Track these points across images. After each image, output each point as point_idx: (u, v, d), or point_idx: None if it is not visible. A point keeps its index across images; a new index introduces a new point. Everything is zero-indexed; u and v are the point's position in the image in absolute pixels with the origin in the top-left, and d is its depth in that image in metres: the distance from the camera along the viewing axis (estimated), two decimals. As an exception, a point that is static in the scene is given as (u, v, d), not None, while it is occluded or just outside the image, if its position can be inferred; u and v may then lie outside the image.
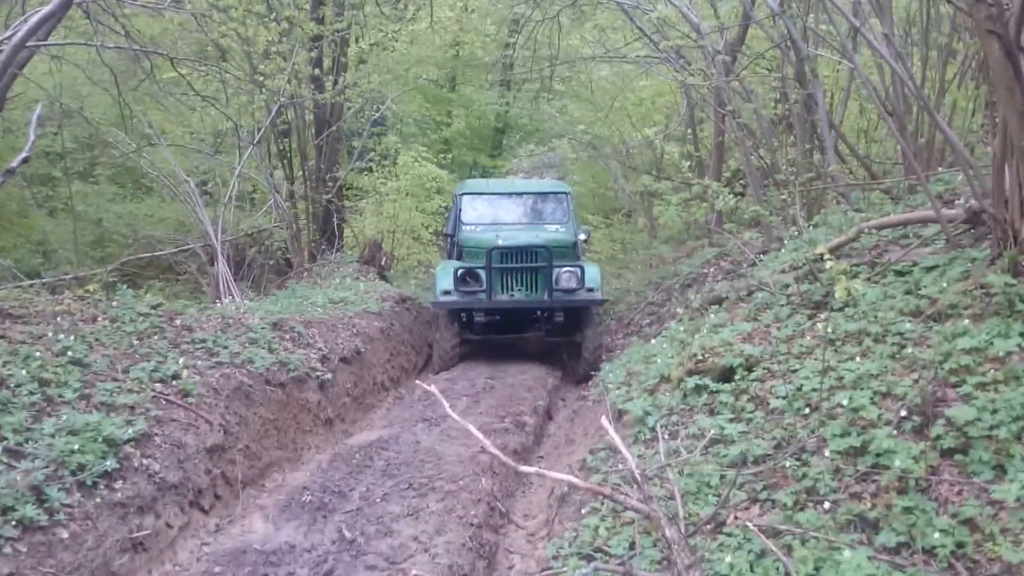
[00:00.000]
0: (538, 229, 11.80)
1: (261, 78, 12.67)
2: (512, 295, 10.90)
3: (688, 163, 15.98)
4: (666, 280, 12.88)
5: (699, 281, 11.55)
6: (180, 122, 17.83)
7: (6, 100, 10.69)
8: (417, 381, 4.80)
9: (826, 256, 5.06)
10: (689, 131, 15.79)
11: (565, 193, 12.65)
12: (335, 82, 14.12)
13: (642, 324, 12.32)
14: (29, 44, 8.10)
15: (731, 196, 8.52)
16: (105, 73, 11.93)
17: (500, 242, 10.82)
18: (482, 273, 10.83)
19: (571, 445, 7.41)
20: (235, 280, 13.19)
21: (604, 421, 4.24)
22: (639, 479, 3.92)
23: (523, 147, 22.10)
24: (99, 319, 7.36)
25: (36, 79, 14.57)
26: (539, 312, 11.19)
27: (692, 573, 3.69)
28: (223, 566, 4.92)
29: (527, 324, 11.64)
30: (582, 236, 11.92)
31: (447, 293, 10.82)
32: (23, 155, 6.88)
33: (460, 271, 10.88)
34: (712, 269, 11.52)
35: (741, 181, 13.37)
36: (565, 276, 10.90)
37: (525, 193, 12.71)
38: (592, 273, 11.19)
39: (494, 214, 12.30)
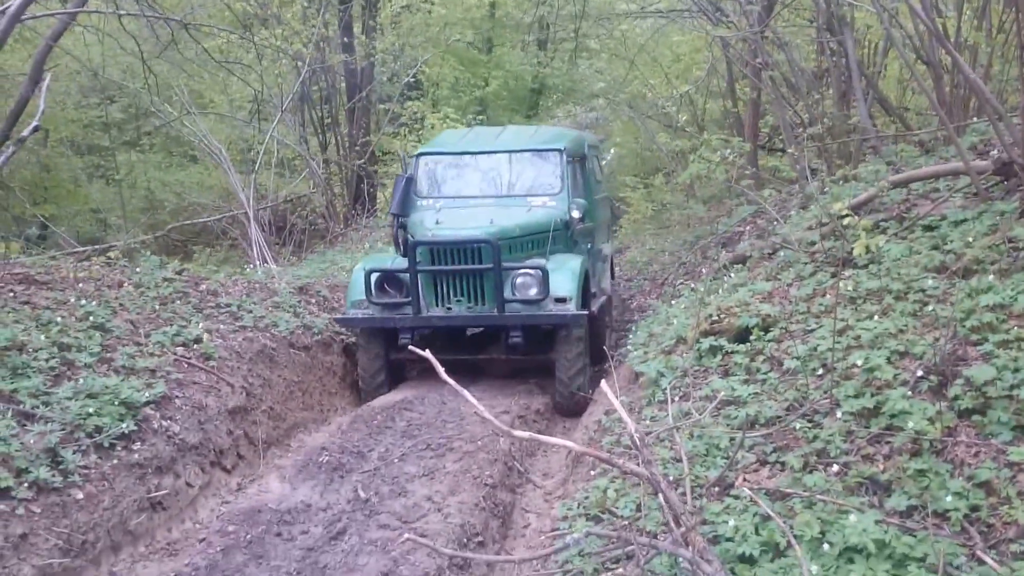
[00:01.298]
0: (515, 206, 8.46)
1: (288, 44, 12.56)
2: (448, 309, 7.68)
3: (727, 120, 15.66)
4: (701, 239, 12.61)
5: (734, 240, 11.30)
6: (221, 90, 17.88)
7: (44, 70, 10.74)
8: (411, 347, 4.68)
9: (844, 212, 4.85)
10: (727, 87, 15.41)
11: (557, 151, 8.82)
12: (366, 46, 13.97)
13: (676, 284, 12.07)
14: (42, 14, 8.09)
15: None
16: (131, 42, 11.91)
17: (430, 234, 7.64)
18: (407, 278, 7.67)
19: (594, 405, 7.30)
20: (277, 246, 13.25)
21: (604, 385, 4.12)
22: (638, 443, 3.80)
23: (561, 108, 21.83)
24: (124, 284, 7.40)
25: (78, 51, 14.68)
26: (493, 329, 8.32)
27: (692, 536, 3.58)
28: (237, 525, 4.92)
29: (479, 342, 9.03)
30: (575, 212, 8.36)
31: (358, 305, 7.83)
32: (34, 124, 6.89)
33: (376, 276, 7.73)
34: (748, 228, 11.26)
35: (780, 137, 13.02)
36: (521, 281, 7.59)
37: (499, 152, 8.99)
38: (564, 277, 7.69)
39: (459, 184, 8.93)
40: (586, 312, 7.72)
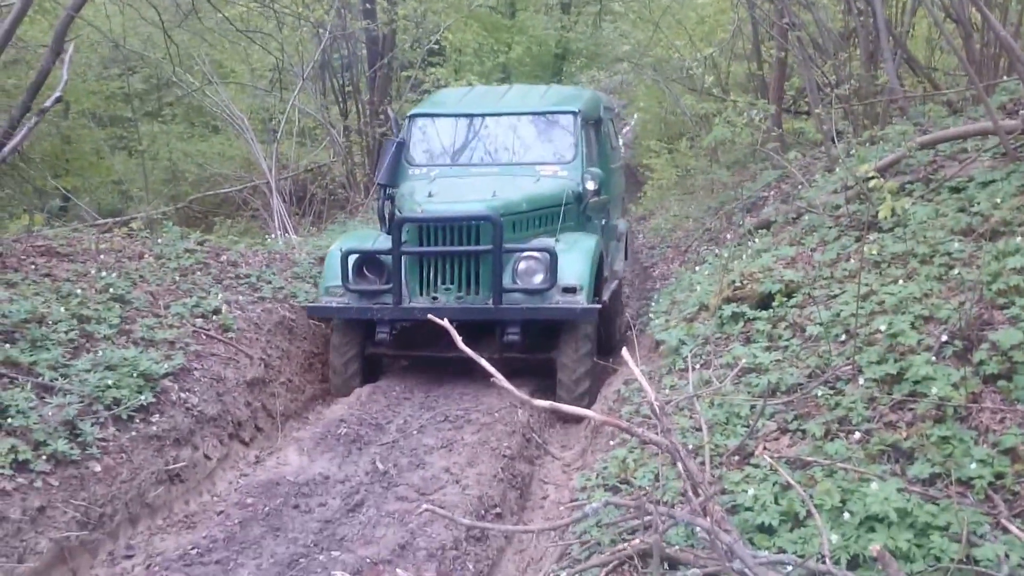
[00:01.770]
0: (521, 175, 7.40)
1: (309, 11, 12.48)
2: (434, 298, 6.64)
3: (751, 83, 15.43)
4: (726, 205, 12.46)
5: (759, 205, 11.16)
6: (242, 59, 17.84)
7: (65, 41, 10.74)
8: (430, 316, 4.56)
9: (870, 174, 4.74)
10: (752, 49, 15.17)
11: (571, 113, 7.80)
12: (388, 12, 13.86)
13: (700, 250, 11.96)
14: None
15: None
16: (152, 12, 11.89)
17: (420, 209, 6.64)
18: (389, 261, 6.70)
19: (614, 375, 7.25)
20: (297, 216, 13.27)
21: (625, 353, 4.07)
22: (657, 411, 3.76)
23: (585, 73, 21.58)
24: (145, 256, 7.43)
25: (100, 22, 14.68)
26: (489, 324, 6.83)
27: (710, 506, 3.54)
28: (255, 497, 4.93)
29: (471, 337, 7.18)
30: (590, 184, 7.28)
31: (333, 292, 6.86)
32: (56, 95, 6.89)
33: (355, 258, 6.75)
34: (773, 192, 11.12)
35: (806, 99, 12.81)
36: (524, 266, 6.57)
37: (504, 115, 7.95)
38: (575, 261, 6.63)
39: (458, 150, 7.89)
40: (598, 306, 6.64)
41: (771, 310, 5.35)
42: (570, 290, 6.51)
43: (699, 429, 4.40)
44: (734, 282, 5.66)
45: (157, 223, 10.14)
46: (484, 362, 3.84)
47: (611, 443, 4.99)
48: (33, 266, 6.56)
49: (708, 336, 5.48)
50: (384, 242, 6.83)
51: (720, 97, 9.68)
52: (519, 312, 6.46)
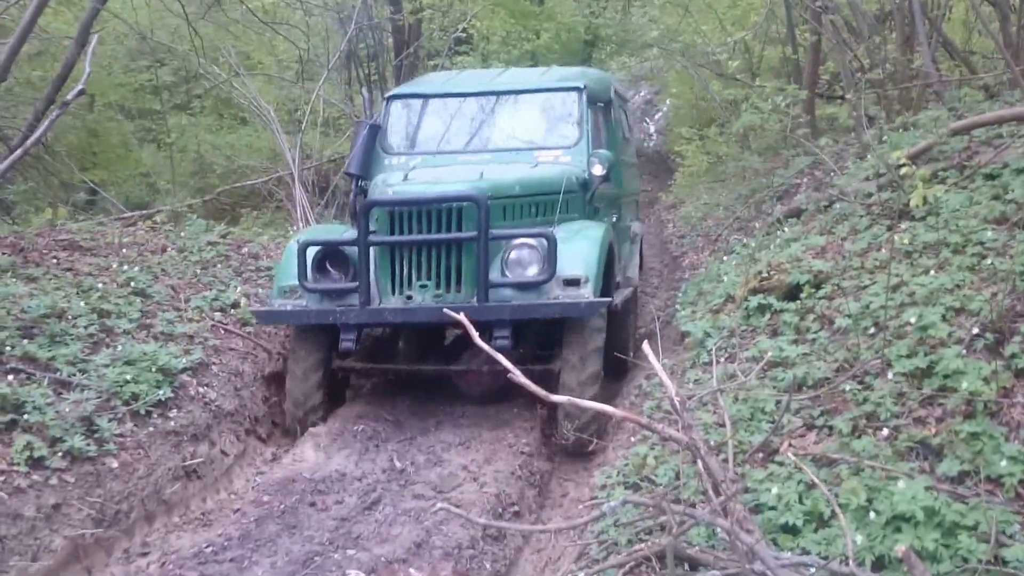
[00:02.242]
0: (516, 161, 6.48)
1: (335, 2, 12.47)
2: (409, 298, 5.58)
3: (786, 68, 15.21)
4: (757, 193, 12.29)
5: (791, 193, 11.01)
6: (268, 51, 17.90)
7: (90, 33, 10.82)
8: (446, 309, 4.36)
9: (902, 161, 4.62)
10: (786, 32, 14.96)
11: (575, 89, 6.78)
12: (414, 1, 13.83)
13: (729, 239, 11.81)
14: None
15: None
16: (178, 4, 11.96)
17: (391, 191, 5.70)
18: (355, 255, 5.61)
19: (635, 369, 7.17)
20: (320, 207, 13.28)
21: (646, 346, 4.00)
22: (677, 407, 3.69)
23: (615, 59, 21.44)
24: (168, 249, 7.46)
25: (127, 14, 14.78)
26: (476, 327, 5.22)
27: (731, 505, 3.46)
28: (271, 495, 4.92)
29: (454, 346, 6.82)
30: (597, 168, 6.27)
31: (288, 293, 5.82)
32: (79, 87, 6.92)
33: (315, 252, 5.73)
34: (806, 179, 10.96)
35: (840, 84, 12.60)
36: (516, 255, 5.57)
37: (497, 93, 6.90)
38: (578, 249, 5.66)
39: (443, 136, 6.84)
40: (608, 299, 5.63)
41: (799, 302, 5.25)
42: (573, 282, 5.46)
43: (723, 425, 4.32)
44: (761, 273, 5.56)
45: (182, 216, 10.18)
46: (503, 359, 3.73)
47: (632, 439, 4.92)
48: (55, 260, 6.61)
49: (734, 328, 5.39)
50: (353, 234, 5.73)
51: (746, 83, 9.49)
52: (508, 310, 5.38)
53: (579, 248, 5.66)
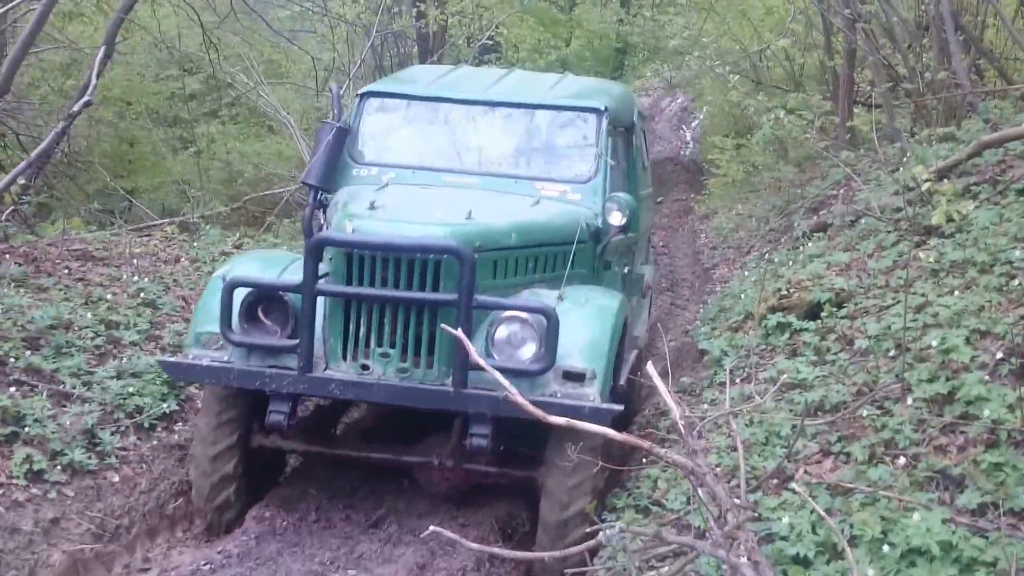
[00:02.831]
0: (515, 193, 5.27)
1: (353, 9, 12.52)
2: (364, 367, 4.36)
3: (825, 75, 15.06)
4: (791, 204, 12.15)
5: (826, 205, 10.86)
6: (295, 60, 18.04)
7: (115, 44, 10.95)
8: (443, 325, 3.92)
9: (925, 176, 4.52)
10: (824, 40, 14.81)
11: (595, 111, 5.55)
12: (439, 6, 13.87)
13: (763, 252, 11.67)
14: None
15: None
16: (203, 14, 12.10)
17: (350, 227, 4.40)
18: (297, 302, 4.39)
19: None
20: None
21: (649, 367, 3.92)
22: (683, 430, 3.60)
23: (648, 66, 21.37)
24: (181, 260, 7.49)
25: (154, 24, 14.98)
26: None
27: (739, 534, 3.38)
28: (273, 511, 4.88)
29: (415, 429, 4.99)
30: (615, 216, 5.10)
31: (208, 342, 4.55)
32: (85, 99, 6.98)
33: (245, 295, 4.43)
34: (842, 191, 10.81)
35: (877, 93, 12.42)
36: (505, 333, 4.37)
37: (498, 105, 5.68)
38: (586, 332, 4.44)
39: (426, 148, 5.62)
40: (619, 408, 4.25)
41: (819, 321, 5.15)
42: (576, 377, 4.26)
43: (736, 449, 4.23)
44: (780, 290, 5.46)
45: (195, 226, 10.23)
46: (499, 376, 3.50)
47: (644, 460, 4.84)
48: (67, 270, 6.65)
49: (751, 347, 5.30)
50: (297, 270, 4.40)
51: (778, 91, 9.32)
52: (492, 403, 4.12)
53: (587, 329, 4.41)
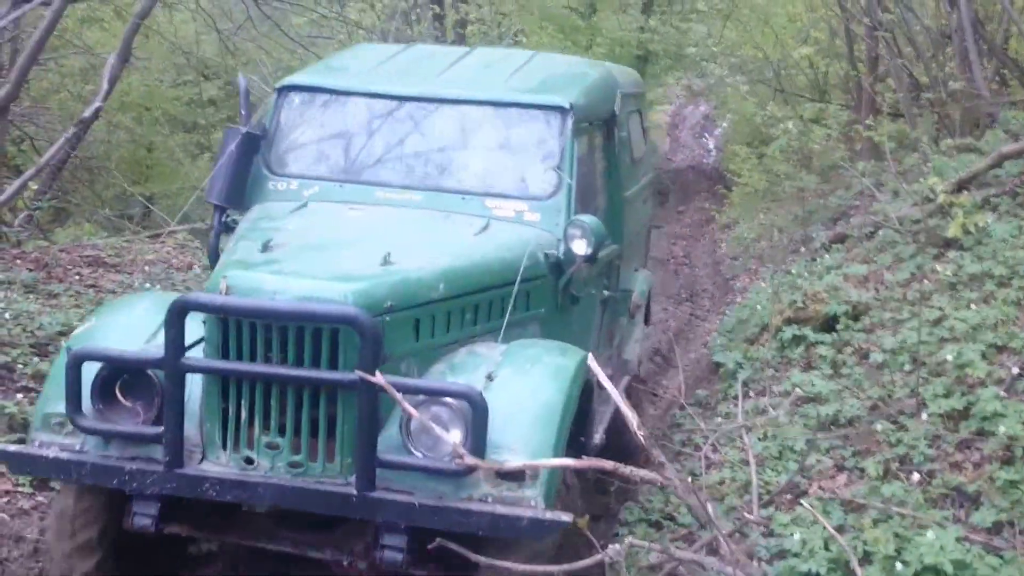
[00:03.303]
0: (459, 212, 4.29)
1: (378, 21, 12.62)
2: (248, 460, 3.32)
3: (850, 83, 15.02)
4: (813, 215, 12.11)
5: (849, 216, 10.83)
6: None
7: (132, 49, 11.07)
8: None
9: (941, 188, 4.51)
10: (847, 49, 14.79)
11: (558, 109, 4.49)
12: (457, 19, 13.95)
13: (782, 262, 11.63)
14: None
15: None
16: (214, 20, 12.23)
17: (222, 285, 3.34)
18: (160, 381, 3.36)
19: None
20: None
21: (592, 362, 3.46)
22: (643, 441, 3.38)
23: (671, 74, 21.32)
24: (194, 266, 7.55)
25: (170, 30, 15.14)
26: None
27: (729, 549, 3.36)
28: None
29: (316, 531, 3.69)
30: (578, 244, 4.02)
31: (57, 426, 3.48)
32: (96, 105, 7.04)
33: (100, 369, 3.39)
34: (864, 201, 10.78)
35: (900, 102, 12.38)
36: (419, 423, 3.22)
37: (444, 103, 4.62)
38: (527, 410, 3.40)
39: (359, 155, 4.66)
40: (566, 519, 3.20)
41: (835, 333, 5.14)
42: (513, 478, 3.29)
43: (748, 463, 4.22)
44: (796, 302, 5.45)
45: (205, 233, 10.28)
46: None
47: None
48: (78, 276, 6.71)
49: (767, 360, 5.29)
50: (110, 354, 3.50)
51: (797, 97, 9.27)
52: (405, 512, 3.28)
53: (530, 408, 3.41)
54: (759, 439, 4.44)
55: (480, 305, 3.88)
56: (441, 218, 4.23)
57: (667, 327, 9.66)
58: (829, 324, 5.26)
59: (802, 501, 3.75)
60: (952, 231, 4.26)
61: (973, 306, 4.49)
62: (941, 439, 3.86)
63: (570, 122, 4.45)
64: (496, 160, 4.55)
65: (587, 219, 4.06)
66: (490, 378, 3.42)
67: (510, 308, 3.83)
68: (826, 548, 3.54)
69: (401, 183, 4.43)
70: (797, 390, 4.51)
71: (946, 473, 3.72)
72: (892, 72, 10.16)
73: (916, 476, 3.75)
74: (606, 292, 4.96)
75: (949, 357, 4.11)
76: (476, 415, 3.19)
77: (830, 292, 5.44)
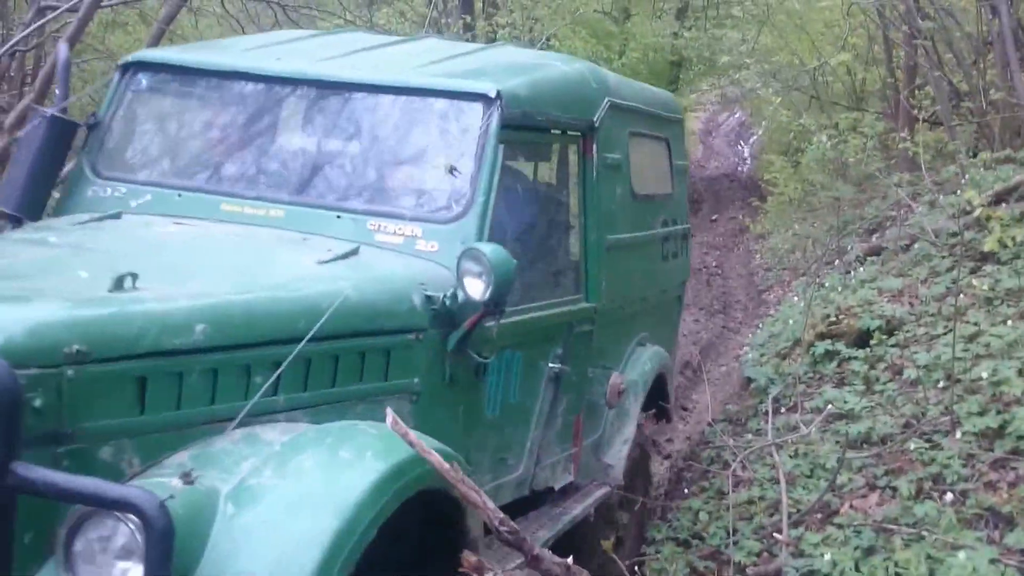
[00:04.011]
0: (340, 235, 3.13)
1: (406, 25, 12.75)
2: None
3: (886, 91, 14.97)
4: (849, 225, 12.06)
5: (883, 226, 10.78)
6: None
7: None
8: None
9: (978, 201, 4.53)
10: (885, 56, 14.72)
11: (482, 98, 3.26)
12: (487, 23, 14.05)
13: (819, 274, 11.58)
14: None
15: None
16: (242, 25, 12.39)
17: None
18: None
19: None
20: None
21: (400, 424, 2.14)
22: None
23: (705, 80, 21.32)
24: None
25: (192, 36, 15.38)
26: None
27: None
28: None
29: None
30: (472, 285, 2.85)
31: None
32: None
33: None
34: (904, 212, 10.72)
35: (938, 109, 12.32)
36: (87, 541, 1.97)
37: (334, 86, 3.44)
38: (277, 539, 2.08)
39: (212, 155, 3.56)
40: None
41: (869, 349, 5.15)
42: None
43: (777, 481, 4.26)
44: (829, 316, 5.47)
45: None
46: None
47: (687, 491, 4.88)
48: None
49: (798, 376, 5.31)
50: None
51: (834, 105, 9.21)
52: None
53: (268, 542, 2.11)
54: (790, 456, 4.47)
55: (291, 364, 2.54)
56: (294, 242, 3.15)
57: (698, 339, 9.68)
58: (862, 339, 5.26)
59: (830, 521, 3.78)
60: (989, 245, 4.27)
61: (1010, 322, 4.49)
62: (975, 458, 3.86)
63: (495, 116, 3.29)
64: (391, 167, 3.46)
65: (487, 248, 2.87)
66: (188, 479, 2.10)
67: (337, 373, 2.77)
68: (856, 569, 3.57)
69: (257, 194, 3.38)
70: (829, 407, 4.52)
71: (980, 493, 3.71)
72: (931, 80, 10.11)
73: (949, 496, 3.76)
74: (557, 365, 3.68)
75: (984, 374, 4.12)
76: (151, 540, 1.94)
77: (864, 306, 5.45)
